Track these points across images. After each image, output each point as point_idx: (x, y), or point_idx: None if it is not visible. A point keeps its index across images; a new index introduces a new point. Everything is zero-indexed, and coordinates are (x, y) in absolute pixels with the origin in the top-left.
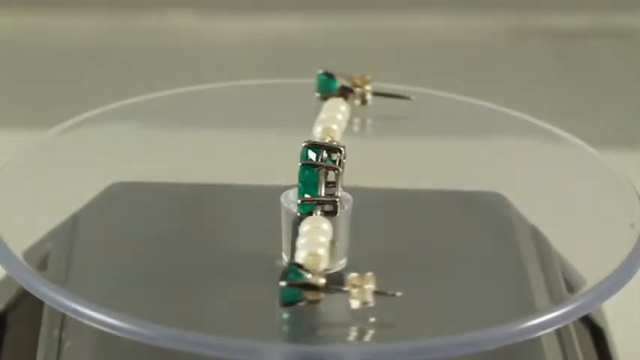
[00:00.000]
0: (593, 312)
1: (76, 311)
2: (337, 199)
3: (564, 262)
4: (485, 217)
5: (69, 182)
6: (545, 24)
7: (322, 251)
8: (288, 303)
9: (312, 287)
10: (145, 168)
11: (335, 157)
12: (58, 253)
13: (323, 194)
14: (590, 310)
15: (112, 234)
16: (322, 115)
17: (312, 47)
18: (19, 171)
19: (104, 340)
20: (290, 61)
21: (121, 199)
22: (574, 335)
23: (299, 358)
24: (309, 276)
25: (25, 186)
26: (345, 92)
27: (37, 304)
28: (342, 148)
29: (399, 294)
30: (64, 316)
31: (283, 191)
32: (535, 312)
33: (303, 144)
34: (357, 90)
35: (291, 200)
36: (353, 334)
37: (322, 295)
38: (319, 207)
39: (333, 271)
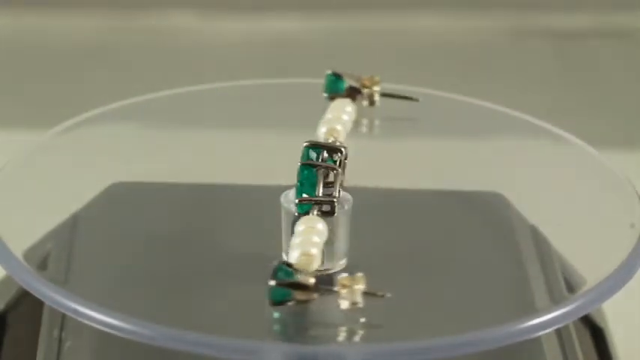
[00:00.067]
0: (593, 312)
1: (76, 311)
2: (335, 200)
3: (564, 262)
4: (485, 217)
5: (69, 182)
6: (545, 24)
7: (315, 251)
8: (277, 302)
9: (302, 287)
10: (145, 168)
11: (336, 157)
12: (58, 253)
13: (321, 194)
14: (590, 310)
15: (112, 234)
16: (327, 115)
17: (312, 47)
18: (19, 171)
19: (104, 340)
20: (290, 61)
21: (121, 199)
22: (574, 335)
23: (299, 358)
24: (298, 276)
25: (25, 186)
26: (352, 93)
27: (37, 304)
28: (343, 149)
29: (388, 295)
30: (64, 316)
31: (283, 191)
32: (535, 312)
33: (305, 144)
34: (365, 91)
35: (291, 200)
36: (353, 335)
37: (315, 295)
38: (317, 207)
39: (333, 271)
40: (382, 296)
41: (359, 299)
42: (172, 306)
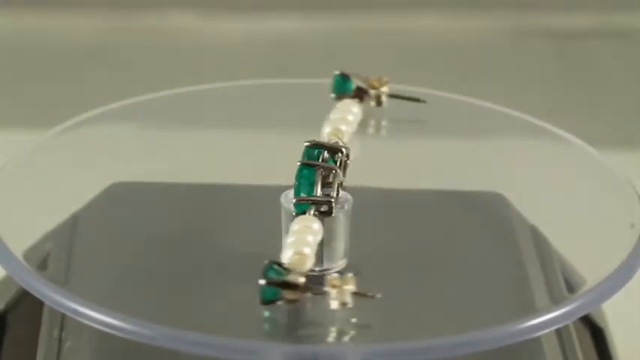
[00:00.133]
0: (593, 312)
1: (76, 311)
2: (332, 200)
3: (564, 262)
4: (485, 217)
5: (69, 182)
6: (545, 24)
7: (308, 251)
8: (267, 301)
9: (292, 286)
10: (145, 168)
11: (337, 157)
12: (58, 253)
13: (319, 194)
14: (590, 310)
15: (112, 234)
16: (333, 116)
17: (312, 47)
18: (19, 171)
19: (104, 340)
20: (290, 61)
21: (121, 199)
22: (574, 335)
23: (298, 358)
24: (289, 275)
25: (25, 186)
26: (360, 93)
27: (37, 304)
28: (343, 149)
29: (378, 296)
30: (64, 316)
31: (283, 191)
32: (535, 312)
33: (306, 143)
34: (372, 92)
35: (291, 200)
36: (353, 335)
37: (305, 295)
38: (314, 207)
39: (332, 271)
40: (372, 297)
41: (348, 300)
42: (172, 306)
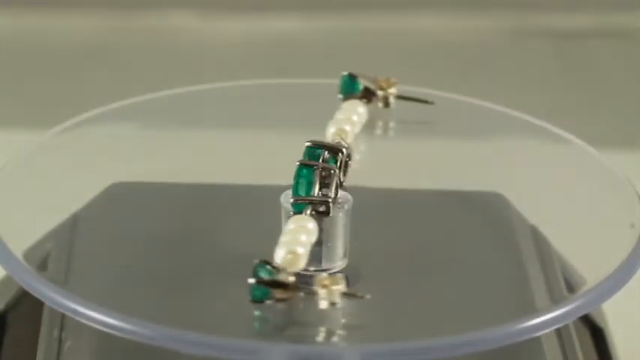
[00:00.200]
0: (593, 312)
1: (75, 311)
2: (329, 200)
3: (564, 262)
4: (485, 217)
5: (69, 182)
6: (545, 24)
7: (302, 250)
8: (257, 300)
9: (282, 285)
10: (145, 168)
11: (337, 157)
12: (58, 253)
13: (317, 194)
14: (590, 310)
15: (112, 234)
16: (338, 116)
17: (312, 47)
18: (19, 171)
19: (104, 340)
20: (290, 61)
21: (121, 199)
22: (574, 335)
23: (299, 358)
24: (279, 274)
25: (25, 186)
26: (368, 94)
27: (37, 304)
28: (344, 149)
29: (368, 296)
30: (64, 316)
31: (283, 191)
32: (535, 312)
33: (307, 143)
34: (380, 93)
35: (291, 200)
36: (353, 335)
37: (301, 294)
38: (311, 207)
39: (332, 271)
40: (361, 297)
41: (337, 300)
42: (172, 306)
